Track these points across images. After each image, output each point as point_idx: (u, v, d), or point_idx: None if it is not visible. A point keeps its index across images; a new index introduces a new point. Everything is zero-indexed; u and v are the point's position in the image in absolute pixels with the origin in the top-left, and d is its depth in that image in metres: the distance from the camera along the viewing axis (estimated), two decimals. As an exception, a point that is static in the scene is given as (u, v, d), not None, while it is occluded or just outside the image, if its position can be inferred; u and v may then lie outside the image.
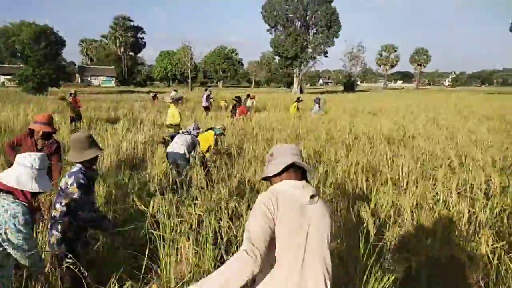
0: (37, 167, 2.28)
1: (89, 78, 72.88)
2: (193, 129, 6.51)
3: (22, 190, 2.20)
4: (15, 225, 2.10)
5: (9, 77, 53.24)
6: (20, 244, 2.12)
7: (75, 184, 2.85)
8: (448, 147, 6.05)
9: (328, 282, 1.69)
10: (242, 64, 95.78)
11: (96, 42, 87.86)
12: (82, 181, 2.89)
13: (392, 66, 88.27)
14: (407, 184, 4.24)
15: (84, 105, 17.37)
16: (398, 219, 3.52)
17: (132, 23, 79.72)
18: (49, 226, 3.04)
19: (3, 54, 38.38)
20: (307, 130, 8.19)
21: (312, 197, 1.74)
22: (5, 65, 60.88)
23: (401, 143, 7.13)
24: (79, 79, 72.59)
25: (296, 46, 54.02)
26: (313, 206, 1.74)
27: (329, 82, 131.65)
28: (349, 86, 66.57)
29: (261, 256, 1.49)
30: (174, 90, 24.34)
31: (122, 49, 78.42)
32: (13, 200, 2.17)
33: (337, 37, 55.76)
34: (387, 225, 3.44)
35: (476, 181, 4.07)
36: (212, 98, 18.66)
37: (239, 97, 14.78)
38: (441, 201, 3.71)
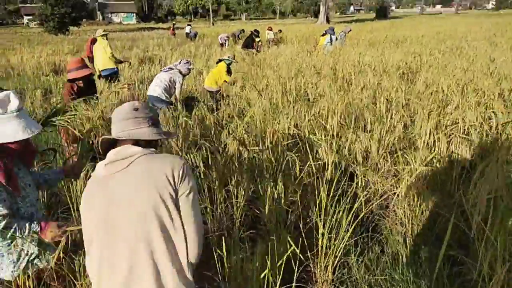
0: None
1: (109, 15, 71.71)
2: (179, 63, 5.44)
3: None
4: None
5: (30, 17, 52.87)
6: None
7: None
8: (454, 78, 5.50)
9: (161, 276, 1.28)
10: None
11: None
12: None
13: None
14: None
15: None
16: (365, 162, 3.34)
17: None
18: None
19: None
20: (311, 65, 7.69)
21: (108, 164, 1.35)
22: (27, 5, 60.22)
23: (407, 76, 6.62)
24: (100, 17, 71.61)
25: (325, -31, 49.75)
26: (116, 174, 1.33)
27: (361, 9, 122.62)
28: (382, 13, 61.94)
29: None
30: (188, 25, 23.50)
31: (141, -18, 75.51)
32: None
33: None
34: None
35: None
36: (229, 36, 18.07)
37: (257, 31, 14.47)
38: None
